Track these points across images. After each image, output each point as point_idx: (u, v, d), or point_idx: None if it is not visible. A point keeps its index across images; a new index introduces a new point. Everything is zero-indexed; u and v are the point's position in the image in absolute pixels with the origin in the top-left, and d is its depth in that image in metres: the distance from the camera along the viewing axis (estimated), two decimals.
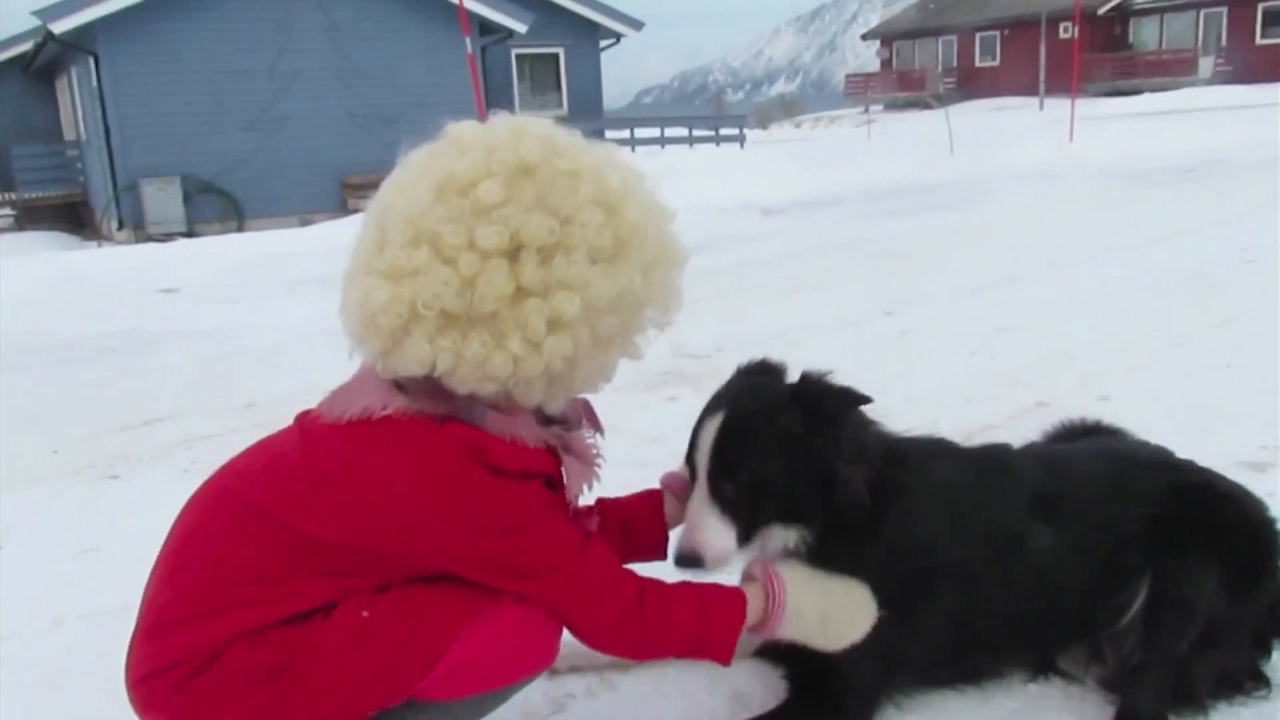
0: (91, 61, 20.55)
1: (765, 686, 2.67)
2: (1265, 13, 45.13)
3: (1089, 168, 16.75)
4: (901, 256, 9.76)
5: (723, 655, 2.23)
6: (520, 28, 23.48)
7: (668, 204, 2.13)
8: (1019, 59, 49.88)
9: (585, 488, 2.21)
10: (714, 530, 2.34)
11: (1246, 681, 2.57)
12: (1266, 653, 2.65)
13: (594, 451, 2.27)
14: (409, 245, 1.91)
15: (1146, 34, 49.73)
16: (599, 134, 24.37)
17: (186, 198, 20.91)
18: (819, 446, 2.37)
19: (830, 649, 2.35)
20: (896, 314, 7.13)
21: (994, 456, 2.80)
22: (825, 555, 2.40)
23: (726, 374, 2.63)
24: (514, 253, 1.90)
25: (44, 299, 9.86)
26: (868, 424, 2.50)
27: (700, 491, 2.38)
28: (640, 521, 2.57)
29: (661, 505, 2.60)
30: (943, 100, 41.68)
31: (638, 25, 29.54)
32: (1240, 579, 2.53)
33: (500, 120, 2.07)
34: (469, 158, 1.96)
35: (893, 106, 54.40)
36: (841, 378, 2.49)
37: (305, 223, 17.73)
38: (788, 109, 66.86)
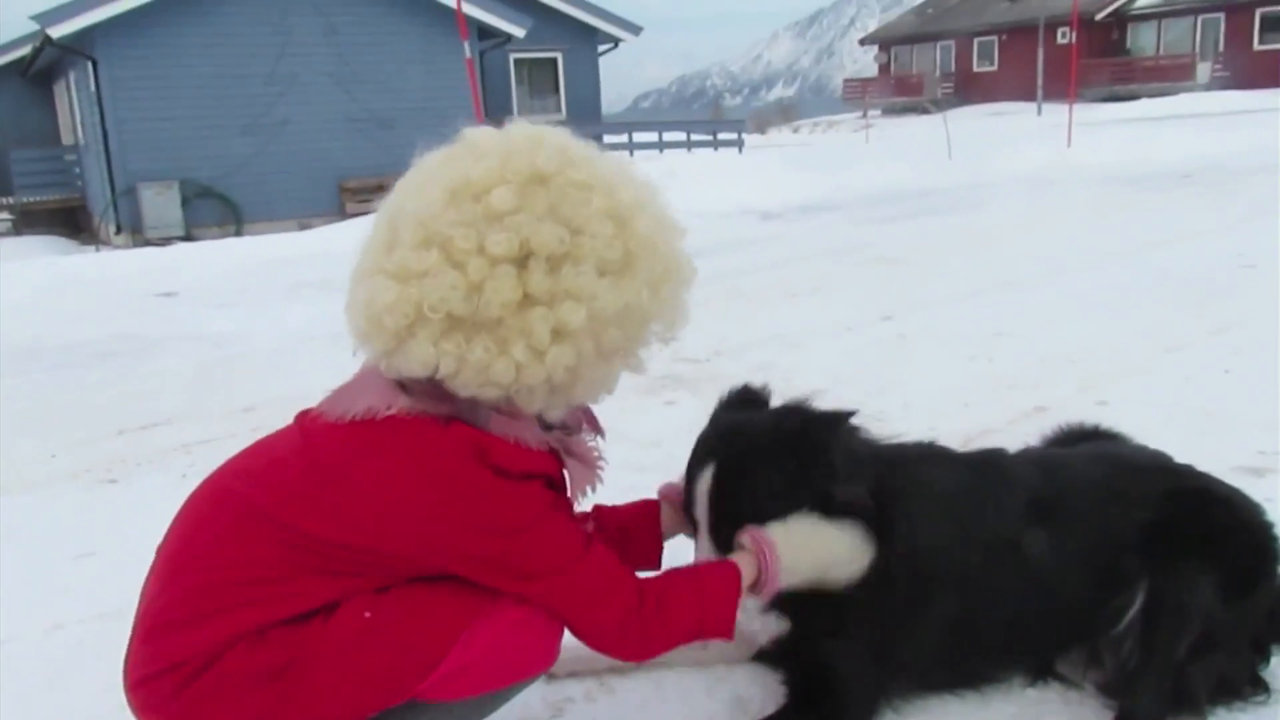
0: (90, 66, 20.55)
1: (764, 690, 2.67)
2: (1263, 18, 45.15)
3: (1087, 173, 16.76)
4: (900, 261, 9.76)
5: (724, 633, 2.24)
6: (518, 32, 23.49)
7: (679, 220, 2.13)
8: (1017, 64, 49.89)
9: (588, 489, 2.22)
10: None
11: (1245, 687, 2.57)
12: (1265, 658, 2.65)
13: (595, 454, 2.27)
14: (419, 247, 1.92)
15: (1144, 39, 49.77)
16: (597, 139, 24.35)
17: (185, 202, 20.90)
18: (813, 476, 2.38)
19: (837, 588, 2.38)
20: (895, 318, 7.13)
21: (989, 461, 2.80)
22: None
23: (725, 379, 2.64)
24: (523, 260, 1.91)
25: (42, 303, 9.85)
26: (856, 440, 2.49)
27: (705, 544, 2.41)
28: (637, 531, 2.57)
29: (658, 516, 2.61)
30: (940, 105, 41.68)
31: (636, 30, 29.56)
32: (1237, 584, 2.53)
33: (517, 128, 2.07)
34: (484, 163, 1.96)
35: (891, 111, 54.42)
36: (825, 398, 2.50)
37: (303, 227, 17.72)
38: (786, 114, 66.88)
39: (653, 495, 2.67)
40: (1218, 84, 43.96)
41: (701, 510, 2.41)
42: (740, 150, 25.01)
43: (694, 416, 4.92)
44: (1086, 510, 2.63)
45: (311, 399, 2.16)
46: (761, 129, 53.16)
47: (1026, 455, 2.95)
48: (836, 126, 52.41)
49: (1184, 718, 2.51)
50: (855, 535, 2.39)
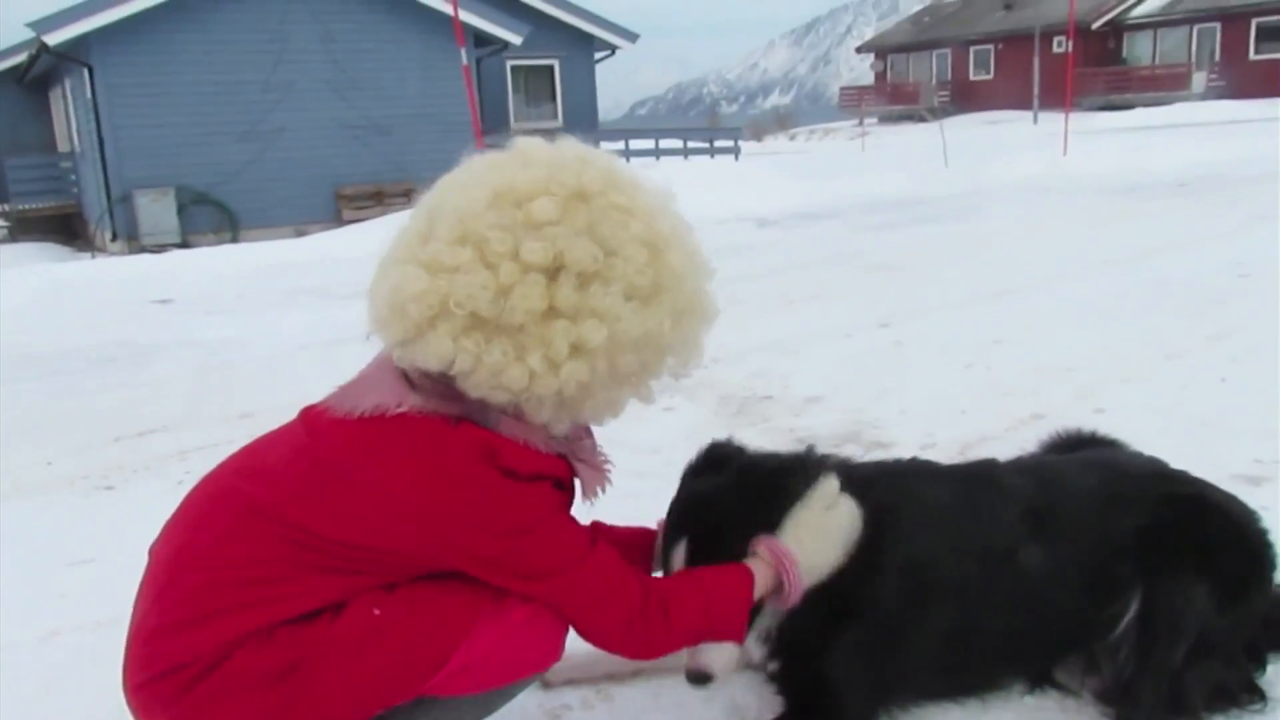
0: (86, 73, 20.55)
1: (761, 699, 2.67)
2: (1259, 28, 45.26)
3: (1083, 181, 16.78)
4: (897, 268, 9.77)
5: (734, 634, 2.25)
6: (515, 39, 23.52)
7: (709, 261, 2.16)
8: (1013, 73, 49.97)
9: (599, 492, 2.23)
10: (713, 647, 2.32)
11: (1241, 694, 2.56)
12: (1261, 665, 2.65)
13: (602, 459, 2.28)
14: (455, 243, 1.93)
15: (1140, 49, 49.86)
16: (594, 146, 24.44)
17: (181, 209, 20.91)
18: (780, 516, 2.39)
19: None
20: (892, 325, 7.14)
21: (980, 472, 2.80)
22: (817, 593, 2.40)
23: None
24: (554, 272, 1.93)
25: (38, 310, 9.86)
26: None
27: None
28: (630, 555, 2.57)
29: (652, 546, 2.62)
30: (937, 113, 41.79)
31: (633, 37, 29.60)
32: (1232, 590, 2.53)
33: (568, 144, 2.11)
34: (531, 172, 1.99)
35: (887, 119, 54.47)
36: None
37: (300, 234, 17.73)
38: (782, 121, 66.88)
39: (651, 499, 2.67)
40: (1213, 93, 44.02)
41: None
42: (737, 158, 25.01)
43: (692, 423, 4.96)
44: (1081, 517, 2.62)
45: (316, 402, 2.16)
46: (758, 136, 53.23)
47: (1019, 464, 2.94)
48: (833, 134, 52.47)
49: None
50: (851, 514, 2.41)
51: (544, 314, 1.92)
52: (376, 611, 1.97)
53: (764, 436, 4.90)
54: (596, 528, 2.52)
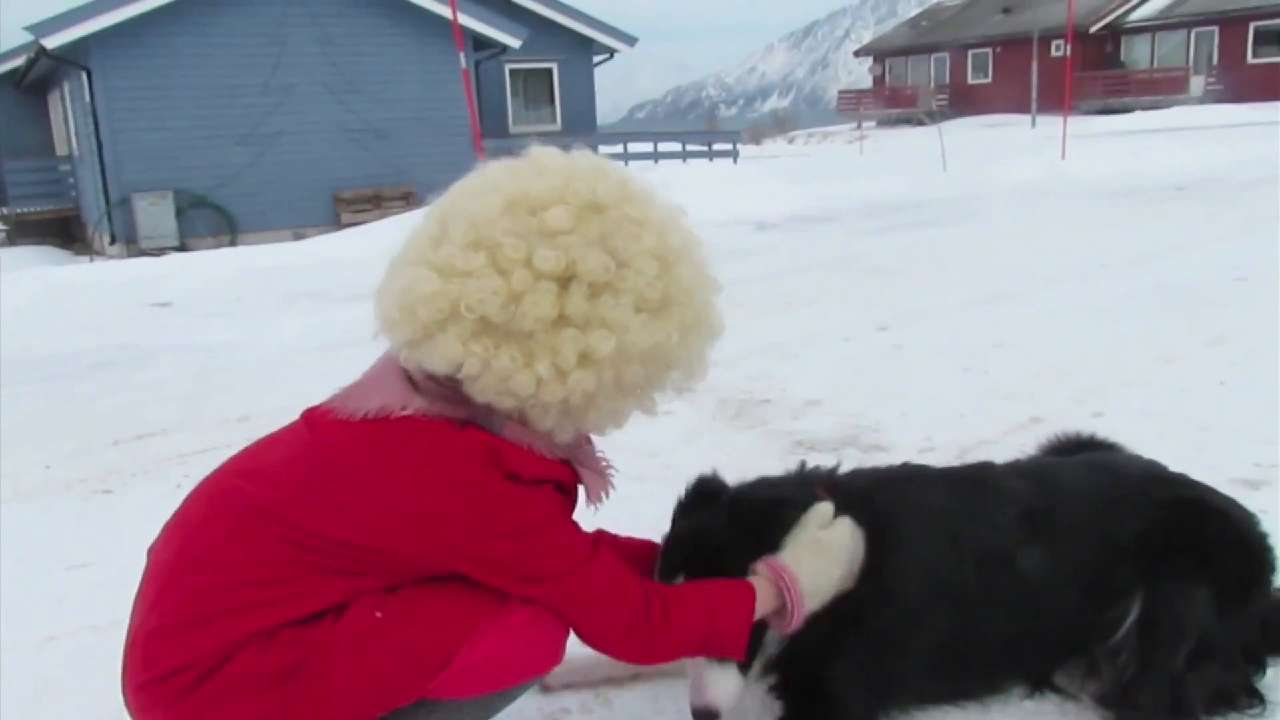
0: (84, 76, 20.55)
1: (760, 704, 2.66)
2: (1257, 32, 45.29)
3: (1081, 185, 16.79)
4: (895, 272, 9.77)
5: (734, 649, 2.24)
6: (514, 43, 23.54)
7: (718, 278, 2.18)
8: (1011, 76, 49.96)
9: (603, 496, 2.24)
10: (716, 682, 2.33)
11: (1240, 698, 2.56)
12: (1261, 669, 2.64)
13: (605, 464, 2.29)
14: (468, 247, 1.95)
15: (1138, 52, 49.91)
16: (592, 149, 24.44)
17: (179, 212, 20.91)
18: (772, 547, 2.38)
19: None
20: (891, 329, 7.14)
21: (978, 475, 2.80)
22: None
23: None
24: (566, 281, 1.94)
25: (36, 314, 9.84)
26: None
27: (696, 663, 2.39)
28: (636, 566, 2.57)
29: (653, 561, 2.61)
30: (935, 117, 41.77)
31: (631, 41, 29.61)
32: (1232, 594, 2.53)
33: (583, 155, 2.13)
34: (546, 181, 2.01)
35: (885, 123, 54.50)
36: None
37: (298, 237, 17.74)
38: (781, 125, 66.94)
39: (649, 502, 2.68)
40: (1211, 97, 44.06)
41: None
42: (735, 161, 25.04)
43: (691, 426, 4.97)
44: (1080, 520, 2.63)
45: (318, 404, 2.15)
46: (756, 140, 53.24)
47: (1017, 466, 2.94)
48: (831, 138, 52.50)
49: None
50: (851, 534, 2.39)
51: (554, 322, 1.93)
52: (378, 613, 1.97)
53: (763, 440, 4.91)
54: (600, 536, 2.52)
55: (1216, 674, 2.53)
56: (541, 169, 2.06)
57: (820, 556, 2.35)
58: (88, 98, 20.65)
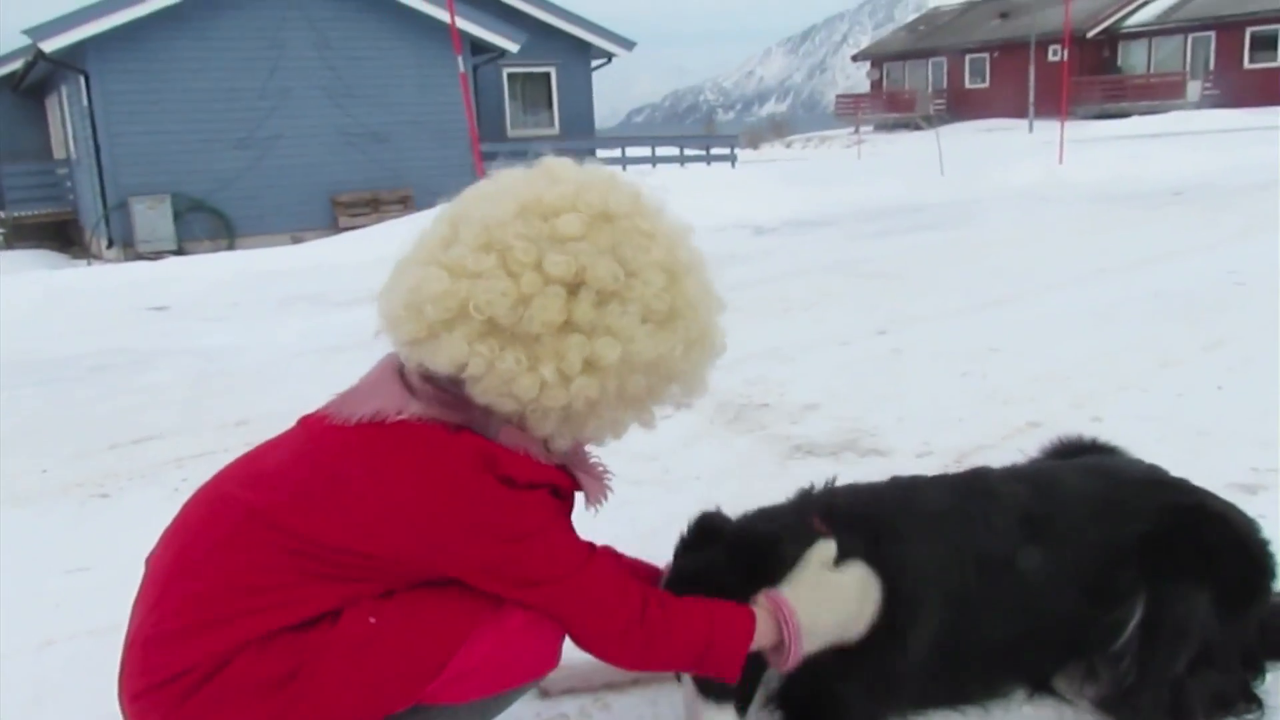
0: (82, 80, 20.55)
1: (759, 709, 2.66)
2: (1254, 37, 45.39)
3: (1079, 189, 16.80)
4: (893, 276, 9.77)
5: (728, 671, 2.22)
6: (512, 47, 23.56)
7: (723, 296, 2.20)
8: (1008, 81, 50.03)
9: (601, 501, 2.24)
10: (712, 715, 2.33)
11: (1239, 703, 2.56)
12: (1260, 674, 2.64)
13: (601, 469, 2.29)
14: (479, 249, 1.96)
15: (1135, 57, 50.00)
16: (591, 153, 24.45)
17: (177, 216, 20.90)
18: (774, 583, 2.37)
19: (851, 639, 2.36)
20: (889, 333, 7.14)
21: (976, 481, 2.80)
22: None
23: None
24: (575, 287, 1.96)
25: (33, 317, 9.83)
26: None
27: (689, 689, 2.38)
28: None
29: (658, 581, 2.60)
30: (933, 121, 41.81)
31: (629, 45, 29.65)
32: (1233, 600, 2.53)
33: (596, 167, 2.14)
34: (560, 188, 2.02)
35: (883, 127, 54.56)
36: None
37: (296, 241, 17.73)
38: (778, 129, 66.96)
39: (648, 506, 2.68)
40: (1208, 102, 44.15)
41: None
42: (733, 165, 25.08)
43: (689, 430, 4.97)
44: (1080, 524, 2.62)
45: (304, 413, 2.16)
46: (754, 144, 53.26)
47: (1016, 471, 2.94)
48: (829, 142, 52.55)
49: None
50: (861, 579, 2.37)
51: (561, 327, 1.94)
52: (372, 619, 1.97)
53: (761, 444, 4.91)
54: (605, 550, 2.52)
55: (1216, 679, 2.53)
56: (555, 177, 2.07)
57: (821, 595, 2.33)
58: (85, 101, 20.64)
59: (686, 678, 2.38)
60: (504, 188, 2.07)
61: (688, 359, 2.10)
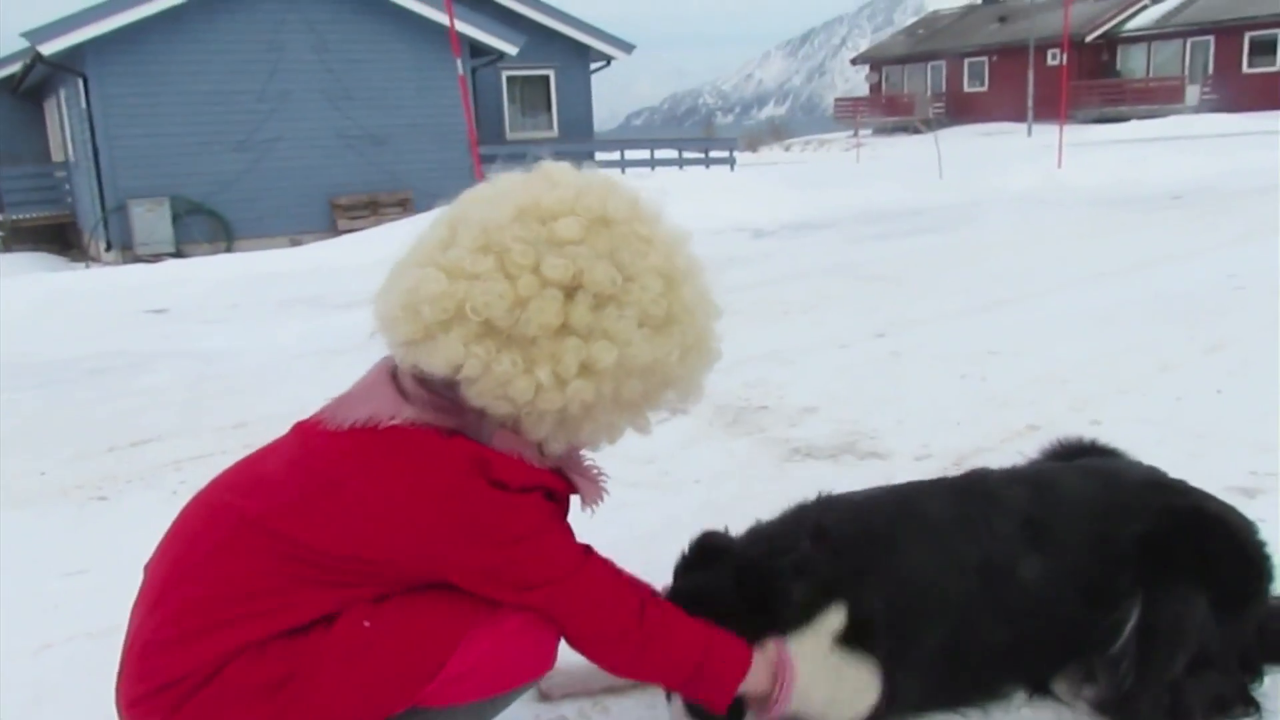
0: (80, 83, 20.54)
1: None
2: (1252, 42, 45.43)
3: (1078, 193, 16.80)
4: (892, 279, 9.77)
5: (718, 698, 2.22)
6: (511, 50, 23.55)
7: (720, 304, 2.20)
8: (1007, 85, 50.08)
9: (597, 502, 2.24)
10: None
11: (1237, 705, 2.56)
12: (1257, 676, 2.64)
13: (596, 471, 2.28)
14: (477, 251, 1.96)
15: (1134, 62, 50.05)
16: (589, 156, 24.47)
17: (175, 218, 20.89)
18: (777, 619, 2.37)
19: None
20: (888, 336, 7.14)
21: (975, 484, 2.80)
22: None
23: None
24: (572, 290, 1.96)
25: (32, 320, 9.83)
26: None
27: (677, 709, 2.38)
28: None
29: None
30: (931, 125, 41.83)
31: (628, 48, 29.65)
32: (1232, 602, 2.53)
33: (595, 172, 2.14)
34: (558, 192, 2.02)
35: (882, 131, 54.58)
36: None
37: (294, 243, 17.72)
38: (777, 132, 66.90)
39: (646, 509, 2.67)
40: (1207, 106, 44.19)
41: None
42: (732, 168, 25.05)
43: (688, 433, 4.96)
44: (1079, 526, 2.62)
45: (302, 415, 2.16)
46: (753, 147, 53.24)
47: (1015, 473, 2.94)
48: (828, 145, 52.51)
49: None
50: (868, 677, 2.39)
51: (557, 330, 1.94)
52: (366, 623, 1.97)
53: (760, 446, 4.91)
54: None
55: (1215, 681, 2.53)
56: (554, 181, 2.07)
57: (823, 674, 2.35)
58: (84, 104, 20.63)
59: (676, 698, 2.37)
60: (503, 191, 2.07)
61: (684, 364, 2.09)
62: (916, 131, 48.62)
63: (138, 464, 5.17)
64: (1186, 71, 47.31)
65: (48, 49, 19.60)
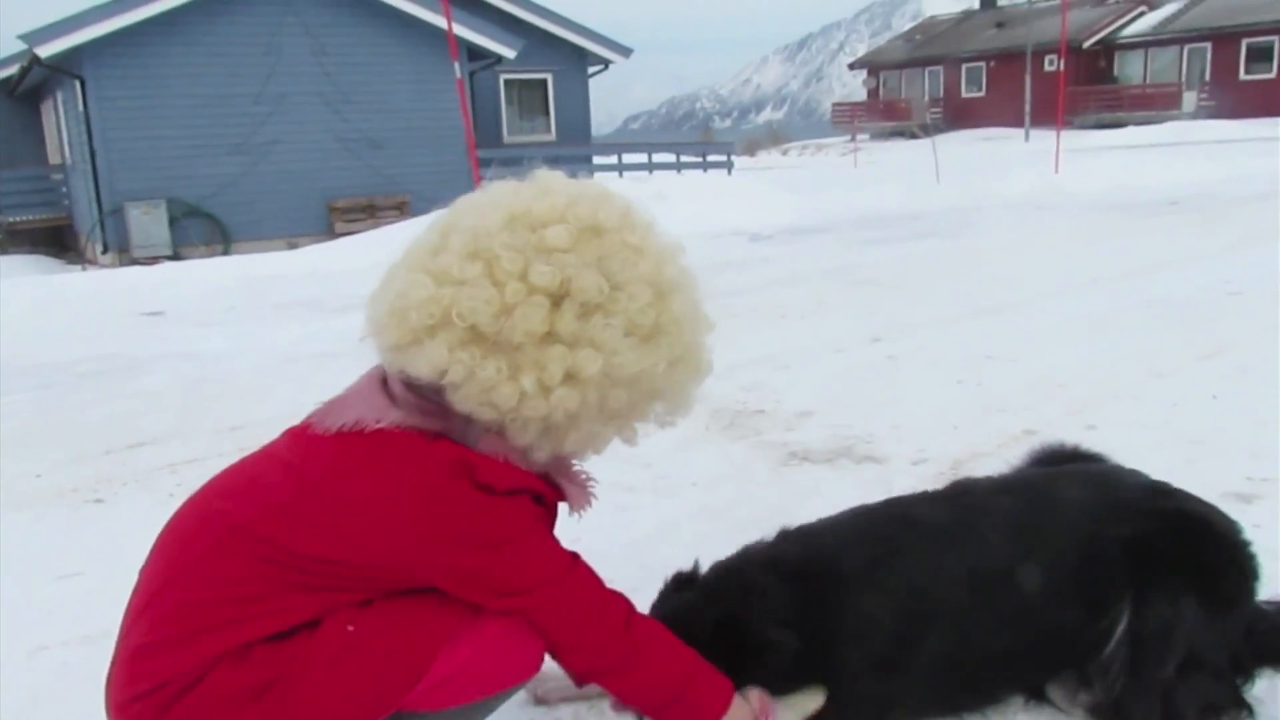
0: (78, 85, 20.50)
1: None
2: (1249, 49, 45.50)
3: (1075, 199, 16.84)
4: (889, 284, 9.78)
5: None
6: (509, 53, 23.55)
7: (711, 317, 2.20)
8: (1005, 90, 50.18)
9: (585, 506, 2.24)
10: None
11: (1230, 708, 2.56)
12: (1248, 678, 2.64)
13: (584, 476, 2.28)
14: (466, 257, 1.96)
15: (1131, 68, 50.11)
16: (587, 160, 24.49)
17: (172, 221, 20.85)
18: (762, 646, 2.37)
19: None
20: (884, 340, 7.14)
21: (963, 495, 2.81)
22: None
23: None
24: (559, 298, 1.95)
25: (28, 322, 9.82)
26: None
27: None
28: None
29: None
30: (929, 130, 41.88)
31: (626, 52, 29.65)
32: (1219, 603, 2.53)
33: (588, 182, 2.15)
34: (550, 200, 2.03)
35: (879, 136, 54.60)
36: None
37: (292, 246, 17.70)
38: (775, 137, 66.87)
39: (642, 512, 2.67)
40: (1204, 113, 44.24)
41: None
42: (730, 172, 25.06)
43: (684, 437, 4.96)
44: (1065, 532, 2.62)
45: (299, 419, 2.16)
46: (751, 152, 53.29)
47: (1002, 481, 2.94)
48: (825, 150, 52.55)
49: None
50: None
51: (543, 337, 1.94)
52: (350, 628, 1.97)
53: (756, 450, 4.91)
54: None
55: (1206, 684, 2.52)
56: (546, 190, 2.07)
57: None
58: (81, 107, 20.60)
59: None
60: (495, 199, 2.08)
61: (671, 376, 2.09)
62: (914, 136, 48.66)
63: (133, 467, 5.16)
64: (1184, 78, 47.37)
65: (45, 51, 19.57)
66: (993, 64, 53.18)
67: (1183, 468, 4.02)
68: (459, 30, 18.38)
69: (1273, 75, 44.72)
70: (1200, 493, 2.82)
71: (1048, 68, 45.27)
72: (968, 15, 61.30)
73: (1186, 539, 2.58)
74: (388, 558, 1.96)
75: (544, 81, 28.23)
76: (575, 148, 26.63)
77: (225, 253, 19.65)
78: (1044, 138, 31.74)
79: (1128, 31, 49.90)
